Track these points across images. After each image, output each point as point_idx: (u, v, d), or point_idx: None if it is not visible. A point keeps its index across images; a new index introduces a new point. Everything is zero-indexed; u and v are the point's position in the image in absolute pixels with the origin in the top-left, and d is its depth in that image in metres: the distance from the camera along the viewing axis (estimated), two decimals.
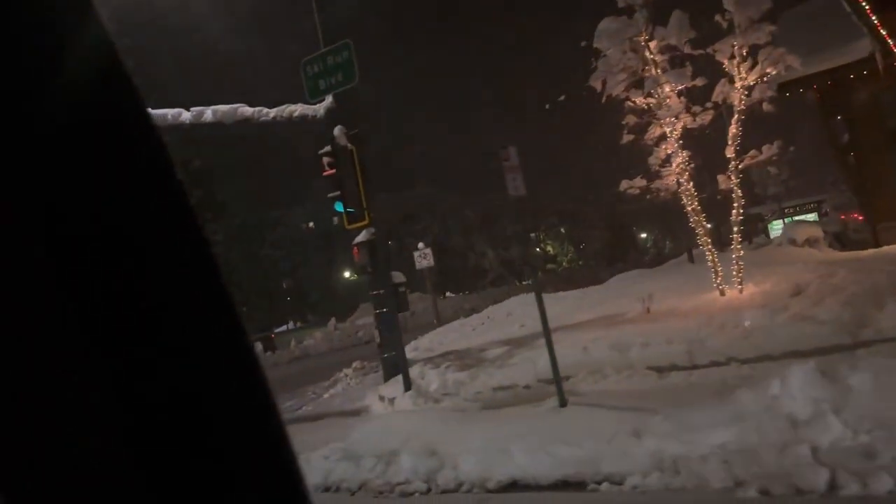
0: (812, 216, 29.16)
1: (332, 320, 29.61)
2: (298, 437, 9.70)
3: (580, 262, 59.31)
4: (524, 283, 53.19)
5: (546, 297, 17.31)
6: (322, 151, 11.19)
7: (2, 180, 0.47)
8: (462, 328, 15.26)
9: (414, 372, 11.11)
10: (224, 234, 46.88)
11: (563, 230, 62.34)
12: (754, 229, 32.27)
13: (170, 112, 14.22)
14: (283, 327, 45.90)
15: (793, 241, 16.22)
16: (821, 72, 15.13)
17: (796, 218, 29.81)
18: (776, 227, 28.35)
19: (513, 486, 6.11)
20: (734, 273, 9.94)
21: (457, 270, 51.09)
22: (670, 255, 48.88)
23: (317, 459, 7.60)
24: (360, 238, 11.39)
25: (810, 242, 16.21)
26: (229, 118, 13.72)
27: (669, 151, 9.97)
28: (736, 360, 7.99)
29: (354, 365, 16.85)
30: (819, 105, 16.84)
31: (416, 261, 18.94)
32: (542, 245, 60.86)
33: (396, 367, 11.88)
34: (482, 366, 10.44)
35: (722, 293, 10.02)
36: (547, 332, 7.19)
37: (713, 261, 10.17)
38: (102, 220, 0.49)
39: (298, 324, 50.86)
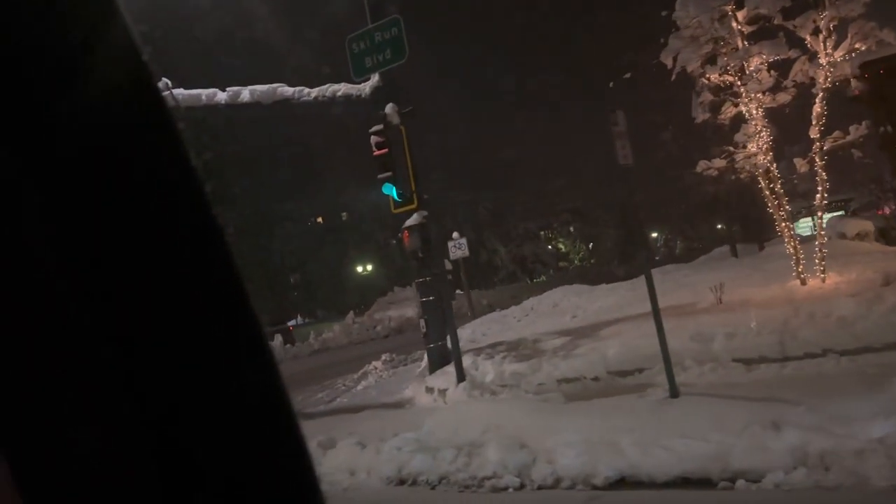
0: (839, 214, 28.58)
1: (351, 314, 29.09)
2: (343, 427, 9.22)
3: (592, 261, 58.77)
4: (535, 280, 52.75)
5: (595, 288, 16.90)
6: (373, 130, 10.66)
7: (10, 175, 0.46)
8: (504, 319, 14.75)
9: (465, 363, 10.59)
10: (234, 226, 46.45)
11: (572, 229, 61.84)
12: (769, 228, 31.71)
13: (204, 92, 13.69)
14: (293, 321, 45.38)
15: (842, 235, 15.74)
16: (875, 59, 14.54)
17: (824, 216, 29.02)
18: (803, 226, 27.76)
19: (620, 482, 5.59)
20: (816, 262, 9.42)
21: (469, 267, 50.54)
22: (681, 255, 48.41)
23: (388, 450, 7.10)
24: (411, 222, 10.85)
25: (860, 236, 15.74)
26: (268, 98, 13.18)
27: (759, 128, 9.43)
28: (833, 351, 7.47)
29: (384, 357, 16.43)
30: (868, 94, 16.25)
31: (450, 251, 18.25)
32: (553, 243, 60.30)
33: (443, 357, 11.38)
34: (542, 357, 9.92)
35: (803, 282, 9.49)
36: (657, 315, 6.66)
37: (795, 248, 9.64)
38: (116, 215, 0.48)
39: (307, 318, 50.34)
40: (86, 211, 0.47)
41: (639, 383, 8.29)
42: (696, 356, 8.17)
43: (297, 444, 0.53)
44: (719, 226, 58.03)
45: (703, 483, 5.14)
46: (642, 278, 16.72)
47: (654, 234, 68.18)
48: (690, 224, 59.88)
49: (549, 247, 59.49)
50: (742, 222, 26.09)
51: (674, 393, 6.44)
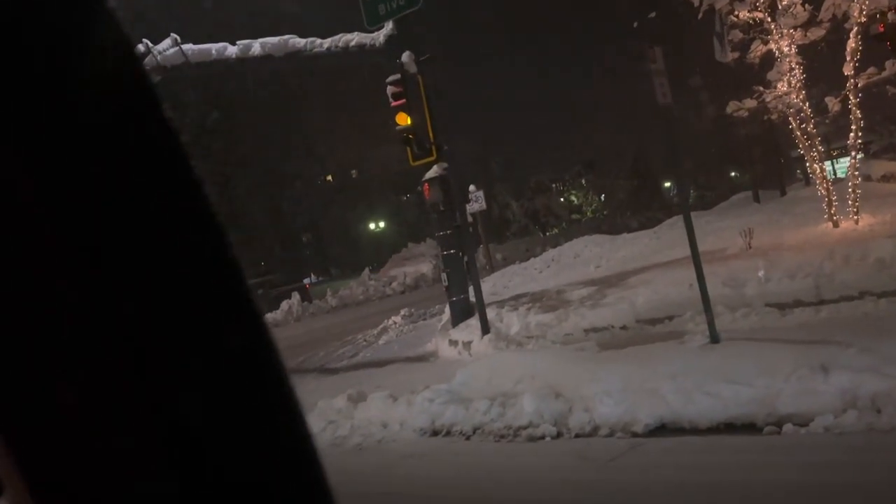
0: (860, 156, 28.03)
1: (366, 270, 29.09)
2: (370, 380, 9.22)
3: (604, 212, 58.37)
4: (548, 233, 52.51)
5: (617, 238, 16.74)
6: (390, 80, 10.38)
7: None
8: (525, 272, 14.62)
9: (488, 315, 10.51)
10: (244, 187, 46.42)
11: (584, 181, 61.32)
12: (787, 174, 31.24)
13: (214, 47, 13.41)
14: (308, 280, 45.59)
15: (867, 177, 15.46)
16: None
17: (842, 160, 28.93)
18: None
19: (661, 429, 5.52)
20: (849, 203, 9.19)
21: (483, 221, 50.23)
22: (696, 204, 47.93)
23: (420, 402, 7.06)
24: (431, 174, 10.66)
25: (886, 178, 15.46)
26: (279, 51, 12.90)
27: (792, 65, 9.11)
28: (871, 293, 7.32)
29: (403, 312, 16.44)
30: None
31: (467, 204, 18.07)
32: (565, 195, 59.83)
33: (466, 310, 11.30)
34: (568, 307, 9.82)
35: (836, 224, 9.28)
36: (697, 259, 6.49)
37: (827, 190, 9.40)
38: (97, 186, 0.44)
39: (321, 277, 50.56)
40: (73, 191, 0.44)
41: (670, 331, 8.18)
42: (727, 302, 8.03)
43: (300, 428, 0.49)
44: (733, 173, 57.38)
45: (748, 428, 5.05)
46: (664, 226, 16.57)
47: (667, 184, 67.57)
48: (705, 172, 59.22)
49: (562, 199, 59.03)
50: (761, 168, 25.67)
51: (714, 338, 6.31)
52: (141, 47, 12.95)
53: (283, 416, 0.45)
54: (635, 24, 10.85)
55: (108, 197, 0.42)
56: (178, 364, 0.42)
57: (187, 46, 13.09)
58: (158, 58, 12.68)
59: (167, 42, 12.85)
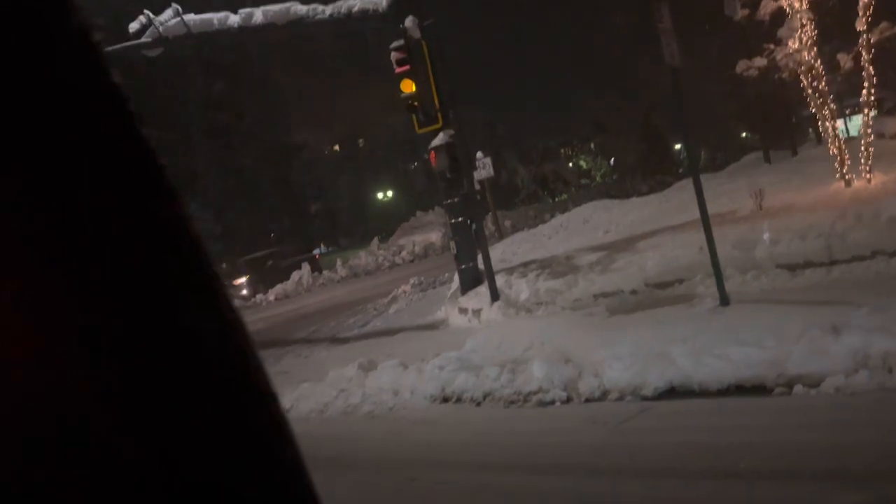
0: (873, 114, 27.51)
1: (375, 240, 29.12)
2: (381, 349, 9.27)
3: (614, 176, 57.95)
4: (557, 199, 52.25)
5: (626, 202, 16.66)
6: (394, 45, 10.23)
7: None
8: (534, 238, 14.58)
9: (498, 282, 10.51)
10: (250, 158, 46.33)
11: (593, 145, 60.77)
12: (798, 133, 30.80)
13: (216, 16, 13.27)
14: (317, 250, 45.71)
15: (880, 135, 15.21)
16: None
17: (855, 118, 28.53)
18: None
19: (671, 392, 5.53)
20: (862, 162, 9.05)
21: (490, 188, 49.93)
22: (706, 165, 47.42)
23: (431, 370, 7.10)
24: (437, 141, 10.55)
25: None
26: (281, 18, 12.73)
27: (804, 21, 8.91)
28: (883, 252, 7.24)
29: (412, 281, 16.50)
30: None
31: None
32: (574, 160, 59.38)
33: (475, 278, 11.30)
34: (577, 273, 9.79)
35: (848, 184, 9.17)
36: (706, 222, 6.43)
37: (840, 149, 9.26)
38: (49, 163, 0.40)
39: (330, 247, 50.69)
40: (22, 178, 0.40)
41: (679, 294, 8.15)
42: (737, 264, 7.97)
43: (262, 394, 0.45)
44: (744, 134, 56.71)
45: (758, 390, 5.05)
46: (674, 189, 16.44)
47: (678, 146, 66.84)
48: (715, 133, 58.47)
49: (570, 164, 58.61)
50: (771, 128, 25.32)
51: (724, 301, 6.28)
52: (142, 18, 12.86)
53: (253, 399, 0.42)
54: None
55: (58, 178, 0.39)
56: (136, 354, 0.39)
57: (189, 16, 12.96)
58: (160, 28, 12.58)
59: (168, 13, 12.72)
